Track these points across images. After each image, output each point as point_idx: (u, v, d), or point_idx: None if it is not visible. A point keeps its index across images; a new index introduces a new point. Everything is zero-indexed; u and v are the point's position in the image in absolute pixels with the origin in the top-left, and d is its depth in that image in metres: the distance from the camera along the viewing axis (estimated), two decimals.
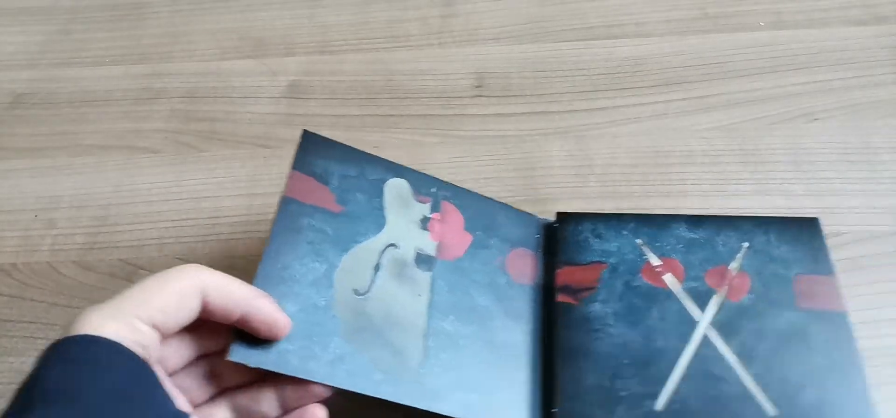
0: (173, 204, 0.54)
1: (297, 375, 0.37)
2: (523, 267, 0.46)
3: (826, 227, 0.51)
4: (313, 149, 0.45)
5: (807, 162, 0.54)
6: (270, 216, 0.53)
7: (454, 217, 0.46)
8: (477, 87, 0.62)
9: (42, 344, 0.47)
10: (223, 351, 0.37)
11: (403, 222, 0.45)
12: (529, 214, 0.49)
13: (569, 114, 0.59)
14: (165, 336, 0.35)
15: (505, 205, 0.49)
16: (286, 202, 0.42)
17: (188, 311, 0.35)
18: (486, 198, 0.48)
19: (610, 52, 0.64)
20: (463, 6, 0.69)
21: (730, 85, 0.60)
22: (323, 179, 0.44)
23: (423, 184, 0.47)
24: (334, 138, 0.58)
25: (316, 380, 0.37)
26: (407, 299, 0.42)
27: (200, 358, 0.38)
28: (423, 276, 0.43)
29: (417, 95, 0.61)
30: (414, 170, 0.47)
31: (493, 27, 0.67)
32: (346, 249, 0.42)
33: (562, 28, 0.66)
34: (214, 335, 0.38)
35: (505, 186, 0.54)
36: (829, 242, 0.50)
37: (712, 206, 0.52)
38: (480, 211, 0.47)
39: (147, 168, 0.57)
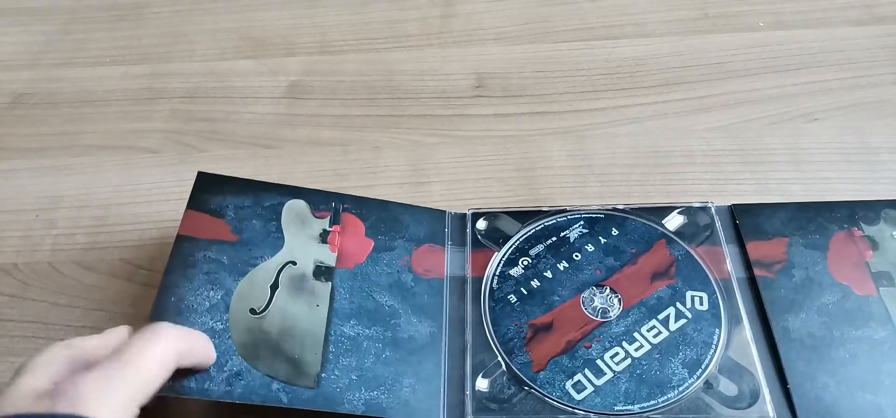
0: (174, 204, 0.54)
1: (194, 397, 0.39)
2: (431, 262, 0.47)
3: None
4: (208, 188, 0.48)
5: (806, 162, 0.54)
6: None
7: (354, 226, 0.48)
8: (477, 87, 0.62)
9: (43, 344, 0.47)
10: None
11: (302, 240, 0.47)
12: (440, 211, 0.50)
13: (569, 114, 0.59)
14: None
15: (412, 206, 0.50)
16: (180, 240, 0.45)
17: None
18: (392, 202, 0.50)
19: (610, 52, 0.64)
20: (463, 6, 0.69)
21: (730, 85, 0.60)
22: (218, 213, 0.47)
23: (323, 201, 0.49)
24: (334, 138, 0.58)
25: (212, 398, 0.39)
26: (304, 311, 0.43)
27: None
28: (323, 287, 0.45)
29: (417, 95, 0.61)
30: (314, 190, 0.49)
31: (493, 27, 0.67)
32: (242, 274, 0.44)
33: (562, 28, 0.66)
34: None
35: (505, 186, 0.54)
36: None
37: None
38: (383, 216, 0.49)
39: (147, 168, 0.57)
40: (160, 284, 0.43)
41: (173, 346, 0.37)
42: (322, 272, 0.45)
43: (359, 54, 0.65)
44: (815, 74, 0.60)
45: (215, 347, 0.40)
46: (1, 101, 0.63)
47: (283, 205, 0.48)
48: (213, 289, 0.43)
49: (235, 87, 0.63)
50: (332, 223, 0.48)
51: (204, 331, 0.41)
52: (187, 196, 0.55)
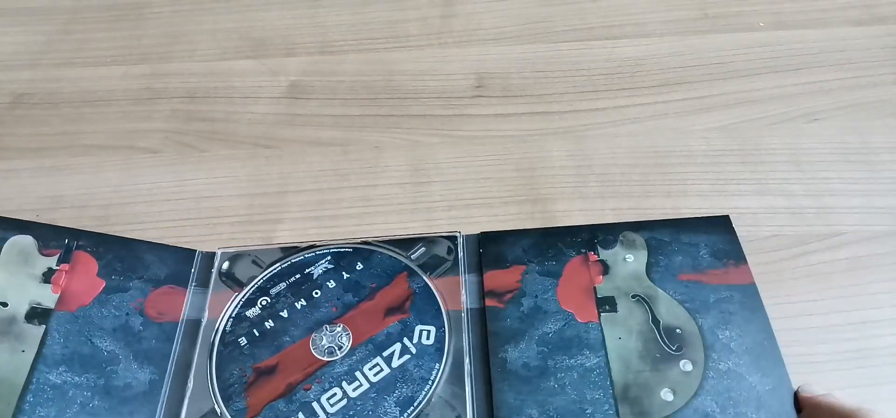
0: (174, 204, 0.54)
1: None
2: (167, 305, 0.45)
3: (826, 227, 0.51)
4: None
5: (806, 162, 0.54)
6: (270, 216, 0.53)
7: (87, 265, 0.46)
8: (477, 87, 0.62)
9: None
10: None
11: (20, 279, 0.44)
12: (190, 250, 0.48)
13: (569, 114, 0.59)
14: None
15: (161, 245, 0.48)
16: None
17: None
18: (138, 240, 0.48)
19: (610, 52, 0.64)
20: (463, 6, 0.69)
21: (730, 85, 0.60)
22: None
23: (55, 237, 0.47)
24: (335, 138, 0.58)
25: None
26: (6, 357, 0.41)
27: None
28: (34, 331, 0.42)
29: (417, 95, 0.61)
30: (48, 225, 0.47)
31: (493, 27, 0.67)
32: None
33: (562, 28, 0.66)
34: None
35: (505, 186, 0.54)
36: (829, 242, 0.50)
37: (712, 206, 0.52)
38: (123, 255, 0.47)
39: (147, 168, 0.57)
40: None
41: None
42: (37, 314, 0.43)
43: (359, 54, 0.65)
44: (815, 74, 0.60)
45: None
46: (1, 100, 0.63)
47: (5, 241, 0.46)
48: None
49: (235, 86, 0.63)
50: (62, 261, 0.46)
51: None
52: (187, 196, 0.55)
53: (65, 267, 0.46)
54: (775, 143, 0.56)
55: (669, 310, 0.44)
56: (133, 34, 0.68)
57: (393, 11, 0.68)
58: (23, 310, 0.43)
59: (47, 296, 0.44)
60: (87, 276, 0.45)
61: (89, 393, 0.41)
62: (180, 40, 0.67)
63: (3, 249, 0.46)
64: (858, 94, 0.59)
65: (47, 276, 0.45)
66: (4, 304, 0.43)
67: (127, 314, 0.44)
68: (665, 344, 0.42)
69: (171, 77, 0.64)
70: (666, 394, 0.40)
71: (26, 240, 0.46)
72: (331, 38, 0.67)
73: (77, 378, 0.41)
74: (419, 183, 0.55)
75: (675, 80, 0.61)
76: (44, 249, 0.46)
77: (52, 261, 0.46)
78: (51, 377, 0.41)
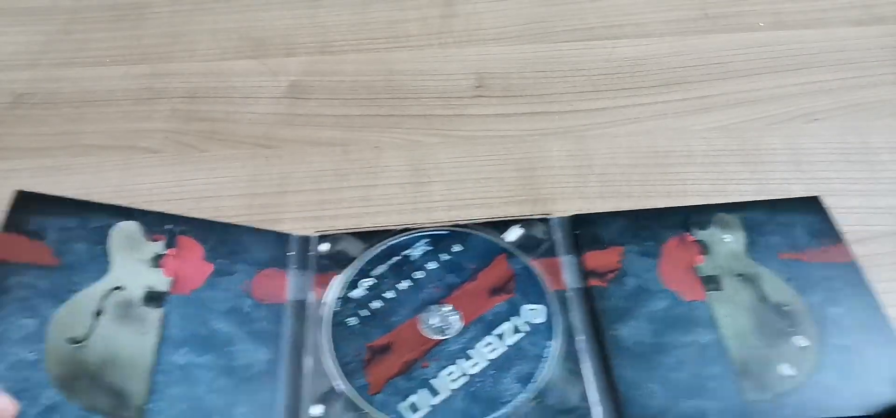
0: (174, 204, 0.54)
1: None
2: (272, 287, 0.46)
3: None
4: (28, 208, 0.47)
5: (806, 162, 0.55)
6: (270, 216, 0.53)
7: (192, 249, 0.46)
8: (477, 87, 0.62)
9: None
10: None
11: (132, 264, 0.45)
12: (284, 234, 0.49)
13: (569, 114, 0.59)
14: None
15: (255, 229, 0.49)
16: None
17: None
18: (233, 225, 0.49)
19: (610, 52, 0.64)
20: (463, 6, 0.69)
21: (730, 85, 0.60)
22: (38, 236, 0.45)
23: (158, 223, 0.47)
24: (335, 138, 0.59)
25: None
26: (131, 339, 0.42)
27: None
28: (153, 314, 0.43)
29: (418, 95, 0.61)
30: (148, 211, 0.48)
31: (493, 27, 0.67)
32: (62, 301, 0.42)
33: (562, 28, 0.66)
34: None
35: (505, 186, 0.54)
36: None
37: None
38: (224, 239, 0.48)
39: (148, 168, 0.57)
40: None
41: None
42: (153, 298, 0.44)
43: (359, 54, 0.65)
44: (815, 74, 0.61)
45: (28, 380, 0.39)
46: (1, 100, 0.63)
47: (112, 226, 0.47)
48: (27, 317, 0.41)
49: (235, 87, 0.63)
50: (168, 246, 0.46)
51: (14, 364, 0.40)
52: (188, 196, 0.55)
53: (172, 251, 0.46)
54: (775, 143, 0.56)
55: (775, 287, 0.44)
56: (133, 34, 0.68)
57: (393, 11, 0.69)
58: (139, 293, 0.44)
59: (160, 280, 0.45)
60: (194, 260, 0.46)
61: (213, 373, 0.42)
62: (180, 40, 0.67)
63: (111, 235, 0.46)
64: (858, 94, 0.59)
65: (155, 261, 0.46)
66: (121, 288, 0.44)
67: (236, 296, 0.45)
68: (777, 320, 0.43)
69: (172, 77, 0.64)
70: (785, 369, 0.41)
71: (132, 226, 0.47)
72: (331, 38, 0.67)
73: (199, 358, 0.42)
74: (419, 183, 0.55)
75: (675, 80, 0.61)
76: (149, 235, 0.47)
77: (158, 247, 0.46)
78: (175, 358, 0.42)
